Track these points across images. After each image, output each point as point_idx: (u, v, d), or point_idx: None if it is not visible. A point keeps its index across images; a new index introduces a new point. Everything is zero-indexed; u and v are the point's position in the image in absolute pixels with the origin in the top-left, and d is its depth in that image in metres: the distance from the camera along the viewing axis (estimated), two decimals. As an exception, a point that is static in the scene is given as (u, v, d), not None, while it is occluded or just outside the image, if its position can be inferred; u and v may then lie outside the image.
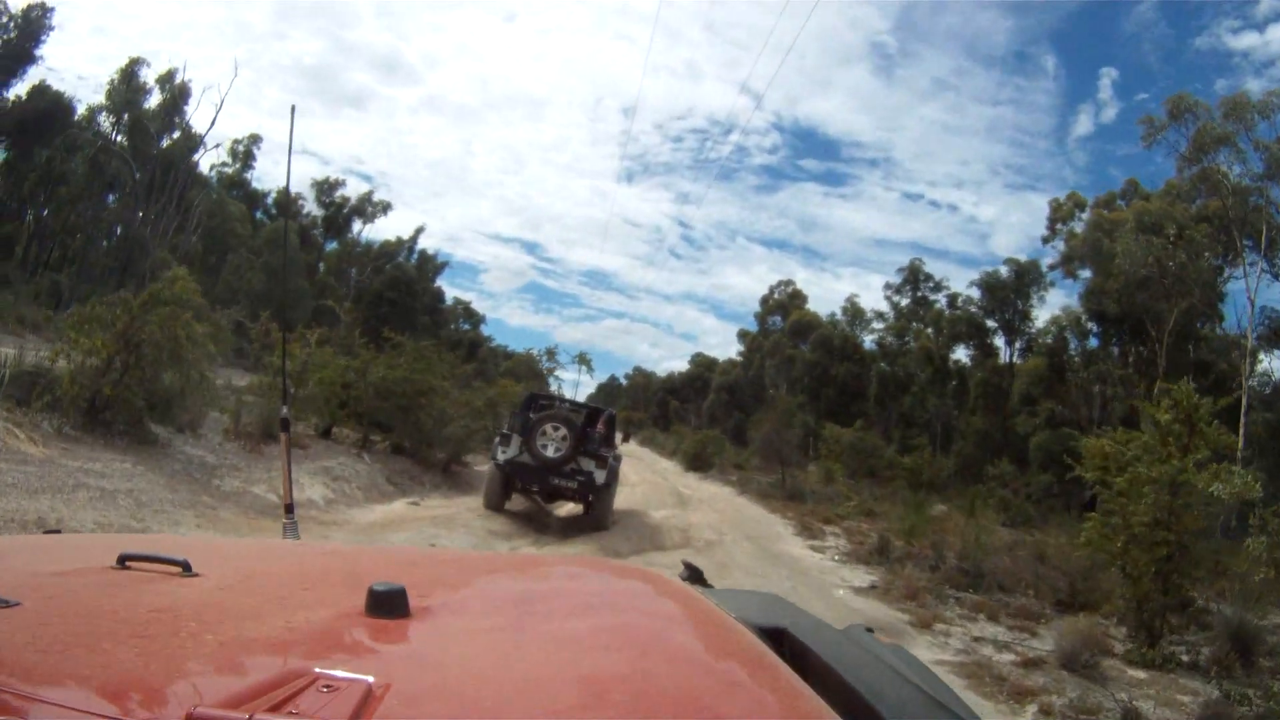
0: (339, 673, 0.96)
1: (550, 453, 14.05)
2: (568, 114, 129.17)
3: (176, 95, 46.17)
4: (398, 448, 18.43)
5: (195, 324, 13.01)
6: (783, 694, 1.14)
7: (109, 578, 1.39)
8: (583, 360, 34.93)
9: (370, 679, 0.95)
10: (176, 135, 47.25)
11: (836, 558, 16.00)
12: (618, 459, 16.34)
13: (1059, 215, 43.06)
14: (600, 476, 14.41)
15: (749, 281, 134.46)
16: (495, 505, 14.82)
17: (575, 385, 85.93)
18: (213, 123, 48.08)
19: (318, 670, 0.96)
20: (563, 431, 14.17)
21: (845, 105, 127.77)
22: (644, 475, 29.14)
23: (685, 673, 1.18)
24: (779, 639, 1.47)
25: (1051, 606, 12.82)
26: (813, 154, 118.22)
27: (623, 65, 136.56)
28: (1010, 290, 46.01)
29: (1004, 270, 46.98)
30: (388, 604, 1.19)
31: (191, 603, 1.26)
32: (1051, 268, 43.26)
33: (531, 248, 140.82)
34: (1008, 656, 9.82)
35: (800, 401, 49.78)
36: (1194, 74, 68.74)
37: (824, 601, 11.26)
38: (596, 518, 15.00)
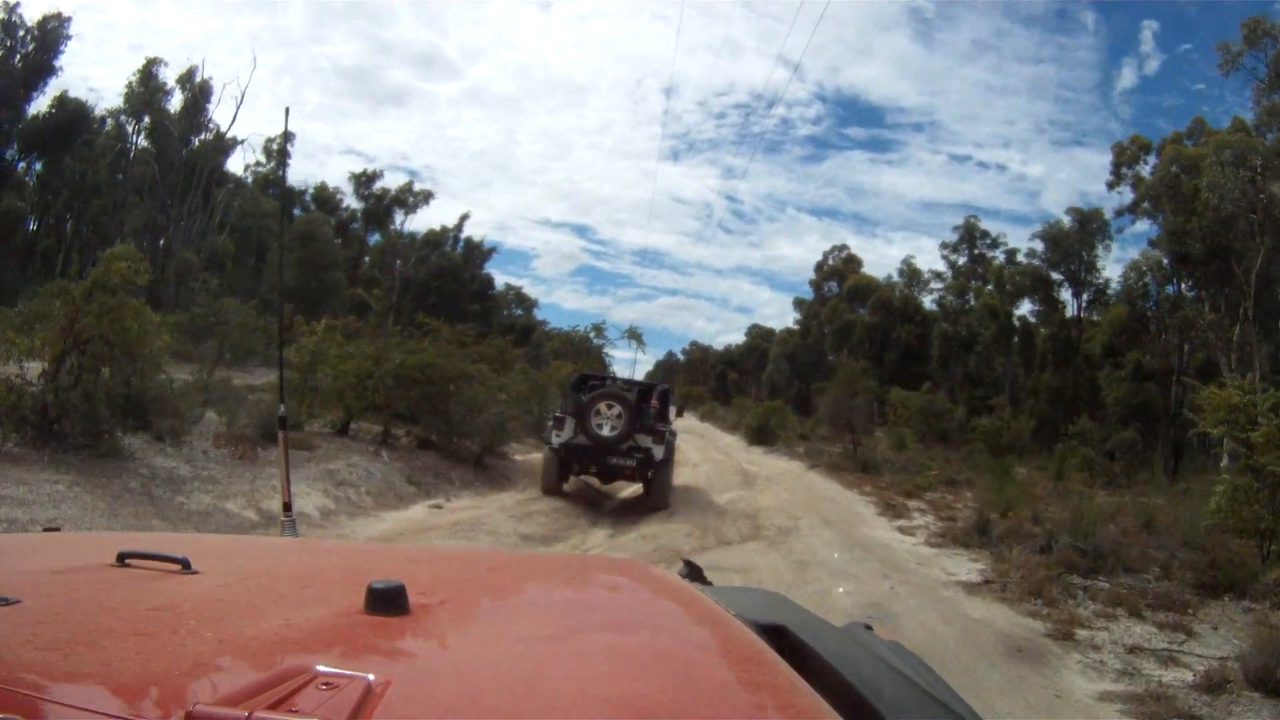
0: (338, 670, 0.95)
1: (606, 431, 13.90)
2: (609, 98, 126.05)
3: (197, 94, 44.78)
4: (424, 441, 16.42)
5: (151, 314, 11.17)
6: (782, 692, 1.11)
7: (108, 575, 1.38)
8: (633, 335, 32.71)
9: (370, 677, 0.93)
10: (202, 135, 46.02)
11: (931, 541, 13.81)
12: (673, 434, 15.77)
13: (1123, 159, 39.76)
14: (659, 452, 14.19)
15: (801, 251, 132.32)
16: (553, 489, 14.57)
17: (633, 364, 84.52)
18: (234, 119, 46.61)
19: (317, 668, 0.95)
20: (617, 409, 14.00)
21: (886, 72, 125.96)
22: (706, 453, 27.19)
23: (684, 670, 1.16)
24: (778, 636, 1.42)
25: (1190, 589, 10.50)
26: (857, 122, 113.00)
27: (661, 46, 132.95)
28: (1074, 241, 43.83)
29: (1067, 220, 44.83)
30: (387, 602, 1.17)
31: (191, 600, 1.26)
32: (1119, 213, 40.53)
33: (582, 231, 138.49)
34: (1180, 674, 7.56)
35: (863, 366, 47.99)
36: (1232, 19, 62.87)
37: (937, 609, 9.12)
38: (656, 496, 14.59)
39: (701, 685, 1.10)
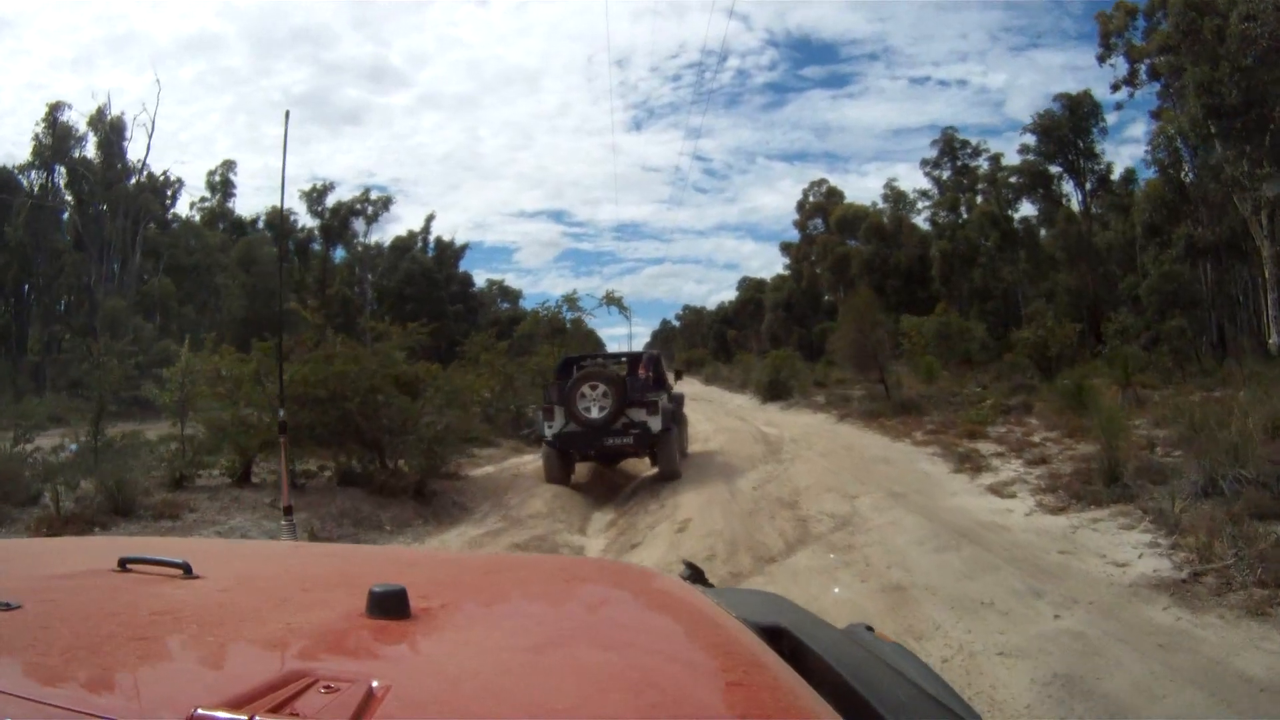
0: (340, 674, 0.94)
1: (595, 414, 13.30)
2: (563, 79, 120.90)
3: (109, 134, 40.20)
4: (348, 475, 12.15)
5: None
6: (782, 693, 1.08)
7: (110, 580, 1.39)
8: (612, 301, 27.52)
9: (371, 680, 0.92)
10: (134, 178, 41.57)
11: (1047, 504, 9.71)
12: (675, 400, 15.38)
13: (1111, 28, 35.48)
14: (656, 423, 13.39)
15: (777, 199, 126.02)
16: (559, 480, 13.57)
17: (628, 338, 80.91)
18: (147, 150, 42.81)
19: (319, 671, 0.94)
20: (601, 389, 13.38)
21: (834, 5, 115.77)
22: (718, 421, 23.11)
23: (685, 672, 1.15)
24: (778, 638, 1.39)
25: None
26: (812, 61, 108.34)
27: (604, 19, 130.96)
28: (1068, 128, 40.24)
29: (1056, 108, 41.05)
30: (388, 605, 1.15)
31: (192, 604, 1.26)
32: (1115, 87, 36.11)
33: (558, 216, 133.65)
34: None
35: (868, 298, 44.65)
36: None
37: (1181, 670, 4.82)
38: (664, 467, 13.71)
39: (702, 688, 1.08)
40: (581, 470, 14.36)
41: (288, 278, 42.10)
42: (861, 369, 24.25)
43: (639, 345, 61.80)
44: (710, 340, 76.07)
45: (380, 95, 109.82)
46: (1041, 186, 41.92)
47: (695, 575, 1.93)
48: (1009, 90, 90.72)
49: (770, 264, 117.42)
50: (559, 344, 24.10)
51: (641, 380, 14.33)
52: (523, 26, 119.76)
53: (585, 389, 13.39)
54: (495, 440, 18.43)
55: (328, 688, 0.89)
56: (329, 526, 10.24)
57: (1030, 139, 41.70)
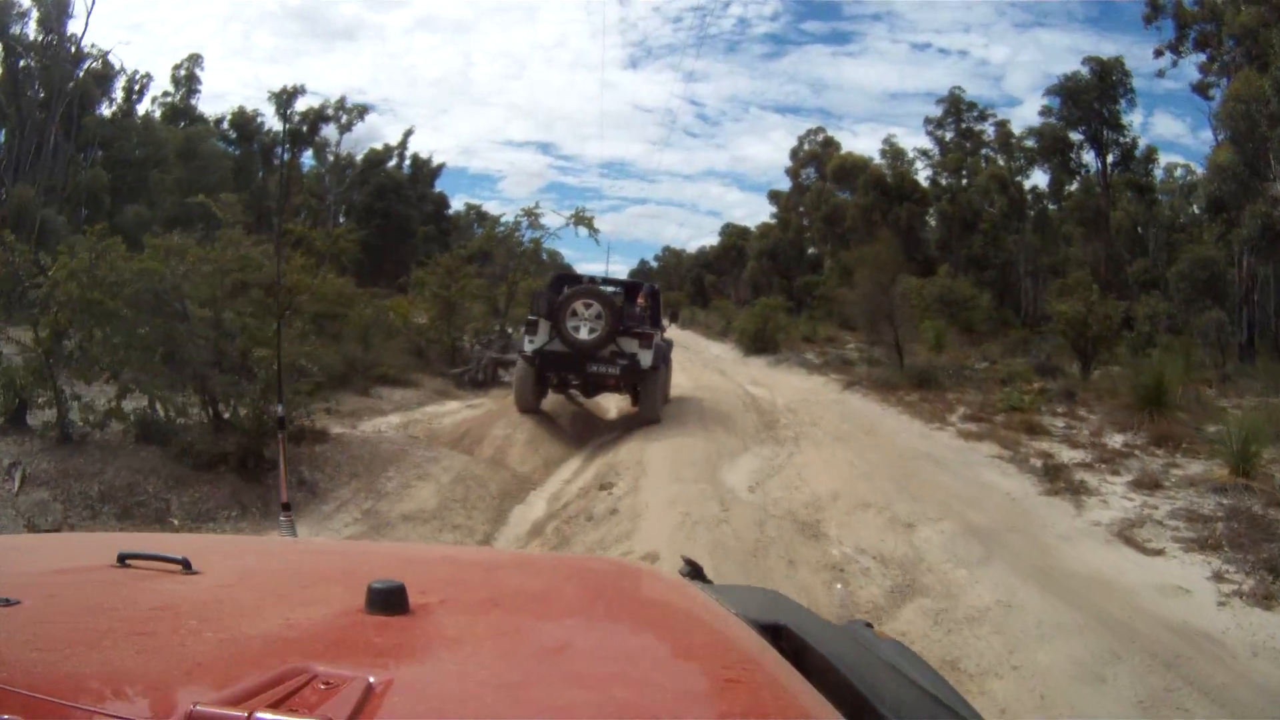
0: (338, 670, 0.91)
1: (584, 335, 11.65)
2: (562, 10, 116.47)
3: (52, 9, 34.73)
4: (150, 427, 7.78)
5: None
6: (782, 691, 1.07)
7: (109, 576, 1.32)
8: (581, 220, 21.01)
9: (370, 676, 0.90)
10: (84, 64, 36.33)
11: (1233, 583, 5.88)
12: (667, 344, 14.03)
13: (1161, -20, 31.29)
14: (646, 358, 11.82)
15: (767, 150, 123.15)
16: (529, 406, 12.14)
17: (604, 273, 77.07)
18: (85, 28, 36.97)
19: (317, 668, 0.91)
20: (596, 309, 11.70)
21: None
22: (697, 375, 18.97)
23: (685, 669, 1.14)
24: (778, 635, 1.34)
25: None
26: (815, 15, 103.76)
27: None
28: (1094, 95, 36.02)
29: (1085, 71, 36.74)
30: (387, 601, 1.11)
31: (191, 600, 1.21)
32: (1159, 52, 32.01)
33: (546, 148, 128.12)
34: None
35: (860, 255, 40.84)
36: None
37: None
38: (645, 409, 12.23)
39: (701, 685, 1.07)
40: (516, 445, 10.87)
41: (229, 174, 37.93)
42: (874, 329, 20.13)
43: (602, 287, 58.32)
44: (688, 284, 71.75)
45: (377, 13, 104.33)
46: (1059, 153, 37.78)
47: (695, 572, 1.83)
48: (1009, 66, 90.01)
49: (755, 214, 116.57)
50: (516, 271, 19.77)
51: (639, 309, 12.85)
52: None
53: (579, 305, 11.80)
54: (414, 380, 14.30)
55: (326, 684, 0.86)
56: (75, 513, 6.14)
57: (1053, 101, 37.65)
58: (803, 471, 8.99)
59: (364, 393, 12.62)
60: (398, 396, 13.11)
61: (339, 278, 15.04)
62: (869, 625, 1.61)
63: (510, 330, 17.69)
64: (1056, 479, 8.88)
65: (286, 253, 13.44)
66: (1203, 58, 30.79)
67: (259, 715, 0.77)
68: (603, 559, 2.57)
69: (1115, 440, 11.24)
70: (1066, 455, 10.32)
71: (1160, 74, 33.16)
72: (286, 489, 3.00)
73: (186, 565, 1.30)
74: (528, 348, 12.05)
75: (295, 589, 1.34)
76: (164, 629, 1.05)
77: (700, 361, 22.38)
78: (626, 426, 12.28)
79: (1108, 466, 9.53)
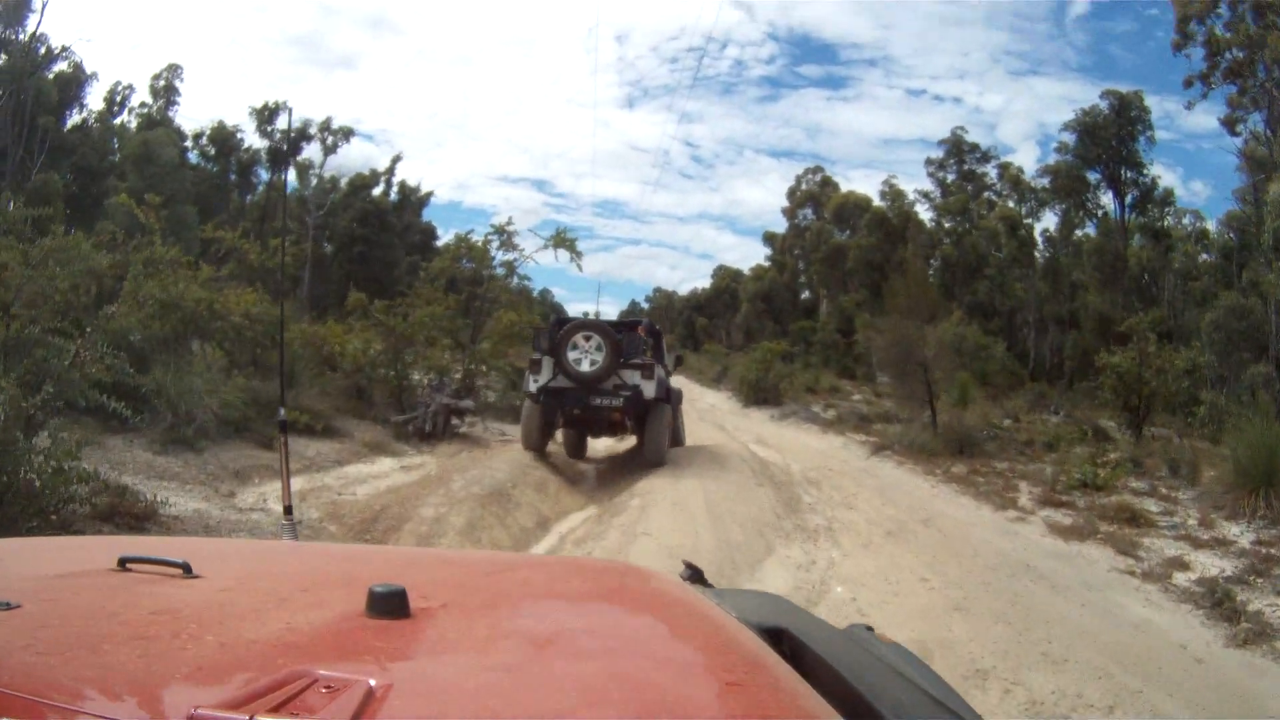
0: (339, 674, 0.89)
1: (585, 367, 11.43)
2: (561, 48, 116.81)
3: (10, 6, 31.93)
4: None
5: None
6: (783, 694, 1.04)
7: (109, 580, 1.29)
8: (561, 242, 17.67)
9: (371, 680, 0.87)
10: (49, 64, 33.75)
11: None
12: (677, 393, 13.63)
13: (1189, 12, 28.92)
14: (649, 389, 11.53)
15: (761, 194, 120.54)
16: (536, 445, 11.80)
17: (595, 312, 75.57)
18: (39, 24, 33.56)
19: (318, 671, 0.89)
20: (595, 340, 11.51)
21: (839, 7, 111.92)
22: (693, 428, 15.89)
23: (685, 673, 1.10)
24: (779, 638, 1.33)
25: None
26: (811, 60, 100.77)
27: None
28: (1113, 132, 33.77)
29: (1103, 105, 34.74)
30: (388, 605, 1.09)
31: (192, 604, 1.18)
32: (1188, 83, 29.41)
33: (541, 185, 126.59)
34: None
35: (860, 299, 38.97)
36: None
37: None
38: (649, 449, 11.66)
39: (703, 688, 1.04)
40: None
41: (186, 185, 35.22)
42: (904, 381, 17.11)
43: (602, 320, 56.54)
44: (679, 326, 68.92)
45: (377, 43, 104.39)
46: (1075, 194, 35.44)
47: (695, 576, 1.80)
48: (1003, 114, 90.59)
49: (747, 258, 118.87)
50: (486, 299, 16.80)
51: (639, 340, 12.13)
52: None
53: (579, 339, 11.61)
54: (341, 428, 11.23)
55: (327, 688, 0.84)
56: None
57: (1069, 137, 35.40)
58: (858, 595, 6.00)
59: (266, 444, 9.55)
60: (313, 451, 10.00)
61: (250, 293, 11.99)
62: (869, 629, 1.56)
63: (474, 368, 14.62)
64: (1232, 614, 5.85)
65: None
66: (1232, 90, 28.44)
67: (260, 719, 0.75)
68: (603, 561, 2.10)
69: (1232, 531, 8.54)
70: (1200, 562, 7.39)
71: (1189, 105, 30.53)
72: (289, 492, 2.91)
73: (187, 569, 1.26)
74: (531, 386, 11.82)
75: (296, 593, 1.27)
76: (164, 633, 1.01)
77: (695, 412, 19.06)
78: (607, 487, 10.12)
79: (1269, 581, 6.57)
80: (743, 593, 1.64)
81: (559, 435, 12.78)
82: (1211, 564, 7.30)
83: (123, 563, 1.30)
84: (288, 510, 2.83)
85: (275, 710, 0.78)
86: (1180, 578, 6.88)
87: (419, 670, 0.99)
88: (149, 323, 9.10)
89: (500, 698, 0.89)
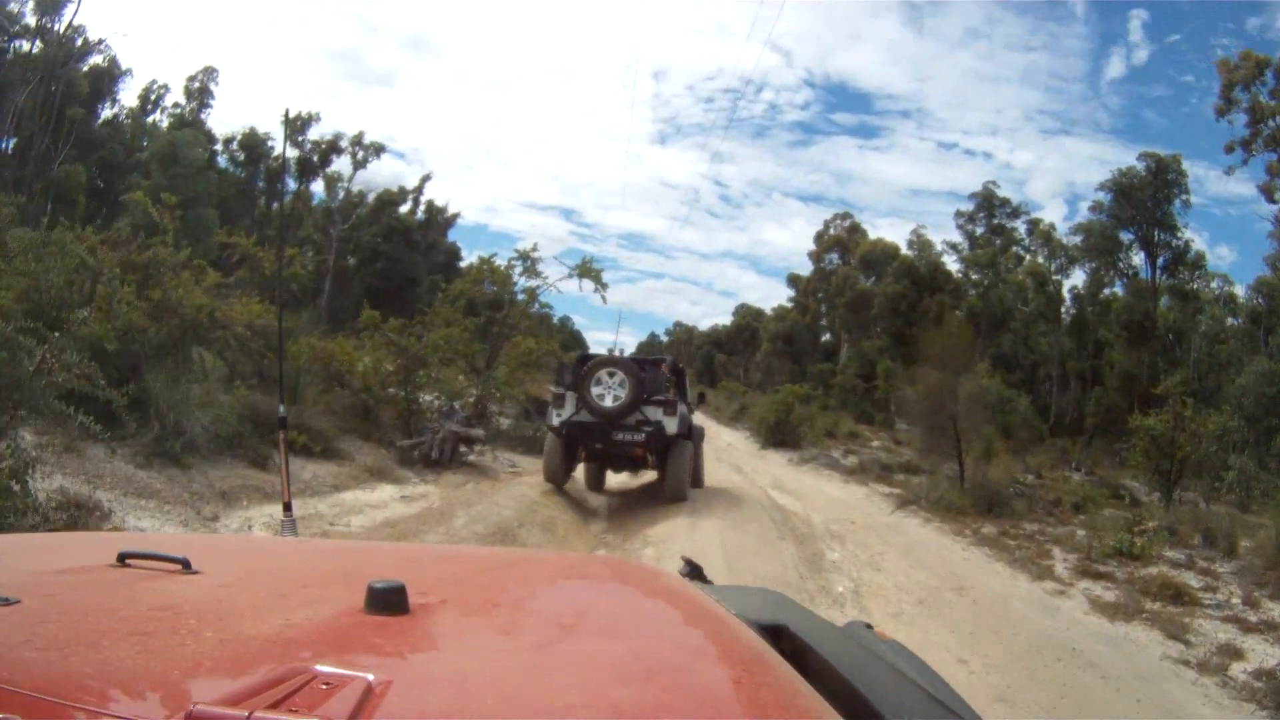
0: (339, 670, 0.87)
1: (608, 402, 11.57)
2: (597, 80, 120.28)
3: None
4: None
5: None
6: (782, 691, 1.02)
7: (109, 575, 1.27)
8: (586, 272, 17.59)
9: (370, 676, 0.86)
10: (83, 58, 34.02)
11: None
12: (699, 430, 13.81)
13: (1235, 79, 29.01)
14: (671, 425, 11.66)
15: (787, 236, 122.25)
16: (557, 479, 11.97)
17: (615, 345, 75.71)
18: (76, 11, 34.08)
19: (317, 668, 0.87)
20: (619, 376, 11.70)
21: (876, 58, 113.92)
22: (710, 468, 15.33)
23: (684, 670, 1.06)
24: (778, 636, 1.29)
25: None
26: (845, 108, 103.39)
27: (650, 28, 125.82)
28: (1149, 193, 33.57)
29: (1140, 166, 34.42)
30: (387, 601, 1.07)
31: (191, 600, 1.16)
32: (1229, 149, 29.53)
33: (569, 214, 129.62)
34: None
35: (883, 345, 38.91)
36: (1223, 13, 62.99)
37: None
38: (671, 484, 11.66)
39: (701, 685, 1.00)
40: None
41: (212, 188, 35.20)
42: (932, 433, 16.57)
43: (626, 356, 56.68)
44: (698, 361, 68.81)
45: (415, 63, 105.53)
46: (1108, 253, 35.11)
47: (695, 572, 1.80)
48: (1032, 171, 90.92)
49: (769, 298, 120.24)
50: (505, 324, 16.47)
51: (662, 376, 12.34)
52: (567, 20, 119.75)
53: (602, 374, 11.78)
54: (342, 450, 10.71)
55: (327, 684, 0.83)
56: None
57: (1104, 197, 35.16)
58: None
59: (260, 463, 9.02)
60: (309, 473, 9.44)
61: (257, 303, 11.53)
62: (869, 626, 1.56)
63: (488, 394, 14.13)
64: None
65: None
66: (1272, 157, 28.62)
67: (259, 715, 0.74)
68: (603, 558, 2.29)
69: (1277, 613, 7.99)
70: (1254, 649, 6.87)
71: (1230, 170, 30.45)
72: (289, 490, 2.90)
73: (186, 565, 1.25)
74: (555, 420, 11.97)
75: (295, 589, 1.27)
76: (164, 629, 1.01)
77: (712, 451, 18.46)
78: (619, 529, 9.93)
79: None
80: (742, 590, 1.61)
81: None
82: (1266, 652, 6.74)
83: (122, 558, 1.29)
84: (287, 507, 2.80)
85: (274, 706, 0.75)
86: (1236, 669, 6.30)
87: (418, 666, 0.97)
88: (144, 325, 8.58)
89: (499, 693, 0.87)
